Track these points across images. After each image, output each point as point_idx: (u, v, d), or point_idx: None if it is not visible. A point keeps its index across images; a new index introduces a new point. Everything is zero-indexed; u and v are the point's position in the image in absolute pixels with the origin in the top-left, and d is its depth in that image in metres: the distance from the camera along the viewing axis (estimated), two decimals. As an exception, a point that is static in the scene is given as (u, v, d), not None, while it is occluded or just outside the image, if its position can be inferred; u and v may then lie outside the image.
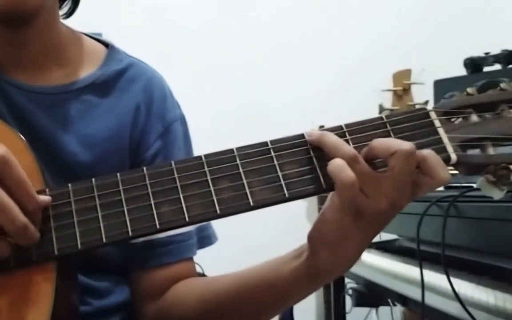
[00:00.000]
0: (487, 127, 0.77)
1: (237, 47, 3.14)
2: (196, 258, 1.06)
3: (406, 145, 0.73)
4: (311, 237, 0.80)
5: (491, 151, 0.75)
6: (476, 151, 0.76)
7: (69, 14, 1.07)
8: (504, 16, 3.06)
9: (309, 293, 0.86)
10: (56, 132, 0.96)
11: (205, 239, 1.07)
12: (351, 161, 0.72)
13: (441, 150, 0.76)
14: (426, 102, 1.98)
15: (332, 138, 0.75)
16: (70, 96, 0.99)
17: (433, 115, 0.78)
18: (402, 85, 2.04)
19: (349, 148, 0.74)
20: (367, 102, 1.91)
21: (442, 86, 1.88)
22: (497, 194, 0.76)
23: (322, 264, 0.79)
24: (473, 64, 1.85)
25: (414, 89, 2.06)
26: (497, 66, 1.82)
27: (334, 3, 3.28)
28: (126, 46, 1.09)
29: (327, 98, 3.11)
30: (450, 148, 0.76)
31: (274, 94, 3.16)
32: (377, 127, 0.78)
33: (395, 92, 2.04)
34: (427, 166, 0.73)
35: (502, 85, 0.76)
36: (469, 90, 0.78)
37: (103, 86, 1.02)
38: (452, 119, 0.78)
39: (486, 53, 1.85)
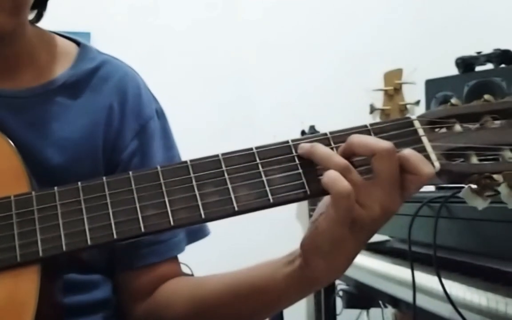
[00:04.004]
0: (471, 137, 0.77)
1: (226, 47, 3.14)
2: (184, 258, 1.06)
3: (386, 143, 0.73)
4: (304, 246, 0.79)
5: (474, 160, 0.75)
6: (460, 161, 0.76)
7: (38, 19, 1.04)
8: (496, 15, 3.06)
9: (300, 299, 0.87)
10: (28, 136, 0.94)
11: (198, 233, 1.06)
12: (343, 172, 0.72)
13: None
14: (418, 102, 1.98)
15: (322, 149, 0.75)
16: (41, 99, 0.97)
17: (417, 124, 0.79)
18: (393, 85, 2.04)
19: (340, 159, 0.74)
20: (358, 102, 1.91)
21: (433, 86, 1.87)
22: (480, 203, 0.76)
23: (315, 273, 0.79)
24: (465, 64, 1.84)
25: (405, 88, 2.06)
26: (489, 66, 1.82)
27: (324, 2, 3.27)
28: (114, 46, 1.09)
29: (317, 97, 3.11)
30: (433, 157, 0.76)
31: (264, 94, 3.16)
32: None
33: (386, 91, 2.03)
34: (409, 164, 0.73)
35: (486, 96, 0.77)
36: (453, 101, 0.78)
37: (75, 86, 1.00)
38: (436, 129, 0.79)
39: (478, 53, 1.84)
